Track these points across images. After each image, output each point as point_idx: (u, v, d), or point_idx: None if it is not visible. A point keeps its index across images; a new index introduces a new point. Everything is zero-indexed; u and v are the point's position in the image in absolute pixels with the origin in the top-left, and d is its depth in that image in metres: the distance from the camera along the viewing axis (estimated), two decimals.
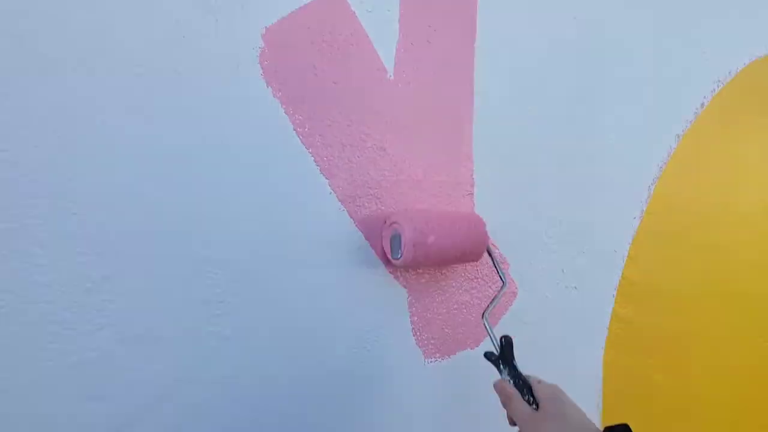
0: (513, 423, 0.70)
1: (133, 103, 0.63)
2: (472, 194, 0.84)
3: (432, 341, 0.84)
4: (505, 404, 0.71)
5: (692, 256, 1.06)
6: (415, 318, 0.82)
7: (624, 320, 1.00)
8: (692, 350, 1.05)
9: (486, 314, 0.80)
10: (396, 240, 0.76)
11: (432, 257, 0.77)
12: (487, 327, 0.78)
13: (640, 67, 0.97)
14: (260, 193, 0.71)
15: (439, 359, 0.85)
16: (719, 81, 1.06)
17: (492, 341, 0.77)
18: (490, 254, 0.84)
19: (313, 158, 0.75)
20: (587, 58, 0.90)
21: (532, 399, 0.70)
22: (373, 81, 0.77)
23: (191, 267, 0.67)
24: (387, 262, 0.80)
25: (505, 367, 0.75)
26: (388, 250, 0.77)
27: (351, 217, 0.76)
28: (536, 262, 0.92)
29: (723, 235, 1.07)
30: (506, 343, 0.75)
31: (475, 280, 0.87)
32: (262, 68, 0.71)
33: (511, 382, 0.73)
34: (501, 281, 0.83)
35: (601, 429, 0.62)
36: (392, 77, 0.78)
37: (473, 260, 0.82)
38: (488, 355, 0.76)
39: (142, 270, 0.64)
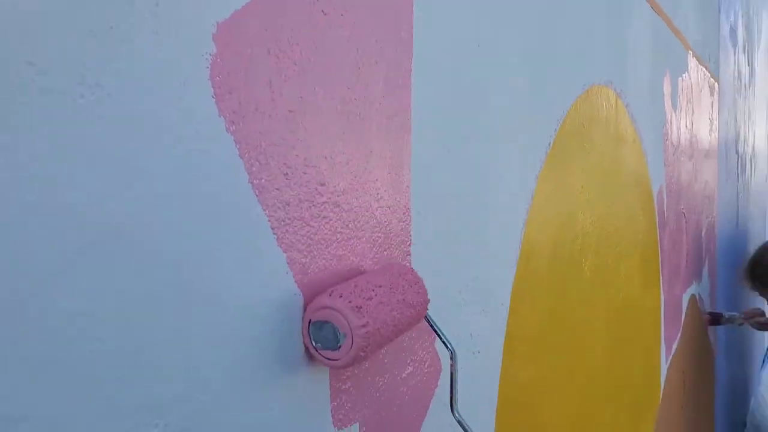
0: None
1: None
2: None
3: None
4: None
5: (556, 300, 1.03)
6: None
7: (511, 378, 0.92)
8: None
9: (455, 407, 0.64)
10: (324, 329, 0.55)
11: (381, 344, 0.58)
12: (465, 426, 0.62)
13: (515, 105, 0.91)
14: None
15: None
16: (560, 118, 1.06)
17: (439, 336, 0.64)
18: (429, 321, 0.68)
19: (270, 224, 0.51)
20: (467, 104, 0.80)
21: None
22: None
23: None
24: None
25: None
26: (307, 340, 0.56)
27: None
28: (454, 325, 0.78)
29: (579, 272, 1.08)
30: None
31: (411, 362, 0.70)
32: (213, 85, 0.46)
33: None
34: (447, 349, 0.67)
35: None
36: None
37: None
38: None
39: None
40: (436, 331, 0.67)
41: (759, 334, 4.74)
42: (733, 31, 3.43)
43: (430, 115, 0.73)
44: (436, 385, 0.75)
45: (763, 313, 2.75)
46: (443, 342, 0.67)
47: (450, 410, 0.64)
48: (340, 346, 0.52)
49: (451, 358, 0.66)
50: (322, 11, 0.56)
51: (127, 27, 0.40)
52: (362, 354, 0.53)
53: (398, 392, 0.68)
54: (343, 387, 0.60)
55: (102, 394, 0.39)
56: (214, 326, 0.47)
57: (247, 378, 0.50)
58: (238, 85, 0.48)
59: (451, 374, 0.66)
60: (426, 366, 0.73)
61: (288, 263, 0.53)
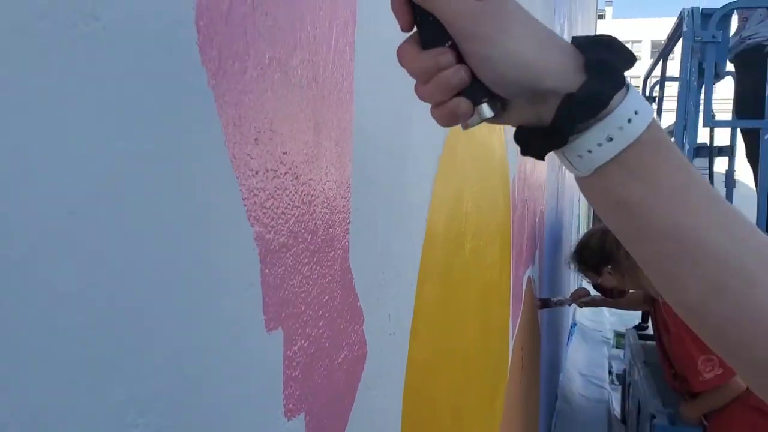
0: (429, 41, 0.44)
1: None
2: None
3: None
4: None
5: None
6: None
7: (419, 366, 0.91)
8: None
9: None
10: None
11: None
12: None
13: None
14: None
15: None
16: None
17: None
18: None
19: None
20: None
21: None
22: None
23: None
24: None
25: None
26: None
27: None
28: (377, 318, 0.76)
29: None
30: None
31: None
32: (197, 31, 0.39)
33: None
34: None
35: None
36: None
37: None
38: None
39: None
40: None
41: (565, 313, 5.20)
42: (561, 32, 3.69)
43: (366, 87, 0.69)
44: (363, 369, 0.72)
45: (588, 293, 3.01)
46: None
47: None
48: None
49: None
50: None
51: None
52: None
53: (335, 378, 0.64)
54: (294, 374, 0.55)
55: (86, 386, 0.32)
56: (184, 309, 0.40)
57: (210, 366, 0.44)
58: (219, 32, 0.42)
59: None
60: (356, 350, 0.70)
61: (255, 239, 0.47)
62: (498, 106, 0.45)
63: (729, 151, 4.02)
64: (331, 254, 0.62)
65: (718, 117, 4.40)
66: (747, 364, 0.46)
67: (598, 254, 2.57)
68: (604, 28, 34.48)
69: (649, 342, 4.52)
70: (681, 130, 3.20)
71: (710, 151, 4.06)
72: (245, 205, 0.46)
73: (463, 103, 0.43)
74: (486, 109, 0.44)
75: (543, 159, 0.47)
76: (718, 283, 0.43)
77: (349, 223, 0.66)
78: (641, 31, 40.46)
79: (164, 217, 0.37)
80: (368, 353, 0.73)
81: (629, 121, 0.42)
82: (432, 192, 0.97)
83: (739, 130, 3.88)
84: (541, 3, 2.43)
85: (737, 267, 0.42)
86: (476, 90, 0.43)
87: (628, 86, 0.43)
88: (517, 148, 0.48)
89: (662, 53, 4.29)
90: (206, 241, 0.42)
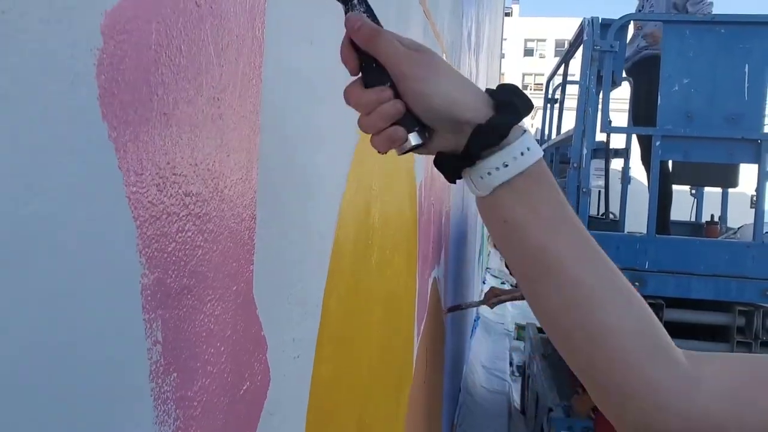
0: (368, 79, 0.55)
1: None
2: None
3: None
4: (369, 41, 0.54)
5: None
6: None
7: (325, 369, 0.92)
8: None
9: None
10: None
11: None
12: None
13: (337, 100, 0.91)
14: None
15: None
16: None
17: None
18: None
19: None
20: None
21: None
22: None
23: None
24: None
25: (360, 2, 0.57)
26: None
27: None
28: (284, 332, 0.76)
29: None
30: None
31: None
32: (98, 86, 0.39)
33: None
34: None
35: None
36: None
37: None
38: None
39: None
40: None
41: (469, 310, 5.33)
42: (469, 35, 3.77)
43: (273, 115, 0.69)
44: (266, 397, 0.72)
45: (498, 294, 3.10)
46: None
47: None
48: None
49: None
50: (196, 2, 0.50)
51: (17, 15, 0.32)
52: None
53: (236, 410, 0.64)
54: (195, 414, 0.55)
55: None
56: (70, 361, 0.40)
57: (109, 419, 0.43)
58: (121, 85, 0.41)
59: None
60: (259, 379, 0.70)
61: (152, 284, 0.47)
62: (426, 135, 0.55)
63: (624, 153, 4.24)
64: (234, 288, 0.62)
65: (618, 116, 4.64)
66: (589, 382, 0.54)
67: None
68: (510, 25, 35.40)
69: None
70: (580, 134, 3.34)
71: (606, 153, 4.27)
72: (143, 254, 0.45)
73: (399, 130, 0.53)
74: (416, 136, 0.54)
75: (455, 182, 0.58)
76: (570, 301, 0.52)
77: (253, 254, 0.66)
78: (546, 30, 41.80)
79: (62, 270, 0.37)
80: (271, 380, 0.73)
81: (522, 153, 0.52)
82: (339, 210, 0.98)
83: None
84: (450, 9, 2.48)
85: (588, 293, 0.51)
86: (409, 120, 0.53)
87: (525, 130, 0.53)
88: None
89: (563, 58, 4.46)
90: (104, 292, 0.42)
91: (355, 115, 0.56)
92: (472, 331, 6.18)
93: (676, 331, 2.57)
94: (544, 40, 42.12)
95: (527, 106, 0.54)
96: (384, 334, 1.45)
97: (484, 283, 9.04)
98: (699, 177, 4.52)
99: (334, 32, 0.81)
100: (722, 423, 0.50)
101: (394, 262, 1.52)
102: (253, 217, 0.65)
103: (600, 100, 3.27)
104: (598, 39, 3.26)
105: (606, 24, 3.32)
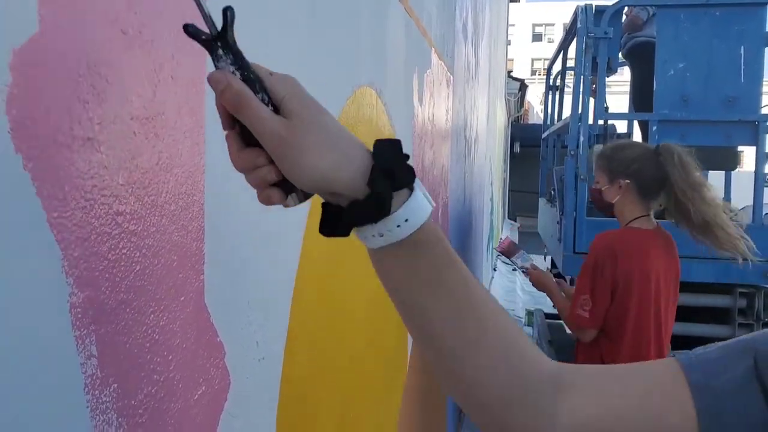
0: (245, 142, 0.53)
1: None
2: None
3: None
4: (233, 108, 0.50)
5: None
6: None
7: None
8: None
9: None
10: None
11: None
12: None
13: None
14: None
15: None
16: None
17: (202, 10, 0.49)
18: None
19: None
20: None
21: (267, 99, 0.51)
22: None
23: None
24: None
25: (226, 53, 0.49)
26: None
27: None
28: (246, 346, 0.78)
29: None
30: (229, 16, 0.49)
31: None
32: (9, 120, 0.41)
33: (238, 75, 0.50)
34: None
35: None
36: None
37: None
38: (193, 32, 0.48)
39: None
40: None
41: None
42: (464, 26, 3.77)
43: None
44: (226, 399, 0.75)
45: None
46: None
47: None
48: None
49: None
50: (122, 30, 0.52)
51: None
52: None
53: (191, 414, 0.67)
54: (140, 421, 0.58)
55: None
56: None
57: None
58: (35, 116, 0.43)
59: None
60: (217, 383, 0.72)
61: (84, 302, 0.49)
62: (306, 196, 0.55)
63: (626, 138, 4.24)
64: (182, 299, 0.64)
65: (621, 99, 4.62)
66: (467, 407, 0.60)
67: (653, 173, 2.25)
68: (518, 10, 35.19)
69: (555, 321, 4.71)
70: (576, 121, 3.34)
71: (605, 139, 4.27)
72: (69, 275, 0.48)
73: (276, 193, 0.53)
74: (295, 198, 0.54)
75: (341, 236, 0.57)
76: (437, 354, 0.59)
77: (203, 264, 0.68)
78: (554, 14, 41.53)
79: None
80: (232, 383, 0.76)
81: (398, 226, 0.53)
82: (308, 209, 1.00)
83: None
84: (437, 3, 2.48)
85: (450, 352, 0.57)
86: (286, 183, 0.53)
87: (410, 194, 0.53)
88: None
89: (561, 46, 4.45)
90: (31, 314, 0.44)
91: None
92: None
93: (678, 315, 2.56)
94: (552, 25, 41.90)
95: (408, 177, 0.53)
96: (372, 328, 1.48)
97: (494, 270, 9.04)
98: (699, 160, 4.50)
99: (278, 44, 0.83)
100: None
101: None
102: (200, 228, 0.67)
103: (593, 87, 3.27)
104: (591, 26, 3.26)
105: (600, 11, 3.32)
